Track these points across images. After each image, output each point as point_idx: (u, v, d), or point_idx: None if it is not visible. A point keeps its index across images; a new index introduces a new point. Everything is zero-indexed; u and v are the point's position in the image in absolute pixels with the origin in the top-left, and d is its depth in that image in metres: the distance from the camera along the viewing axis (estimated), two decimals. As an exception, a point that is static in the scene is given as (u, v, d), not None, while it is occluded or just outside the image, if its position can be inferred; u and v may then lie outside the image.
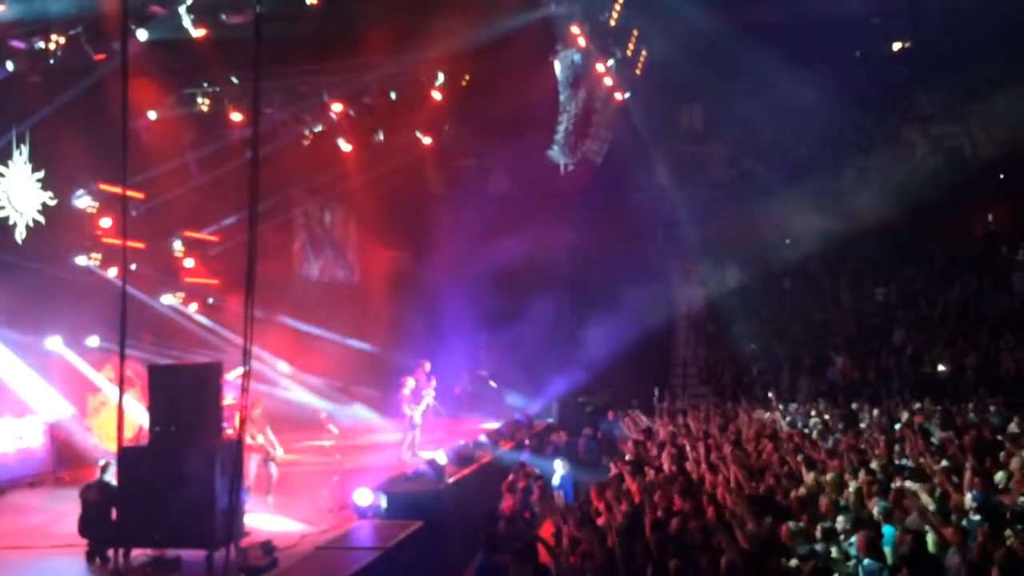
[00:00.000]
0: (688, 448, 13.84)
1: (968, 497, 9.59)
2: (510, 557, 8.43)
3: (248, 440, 12.56)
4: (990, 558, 7.69)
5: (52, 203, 15.61)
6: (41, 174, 15.41)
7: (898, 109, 30.22)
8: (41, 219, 15.39)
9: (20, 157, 15.07)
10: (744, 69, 27.82)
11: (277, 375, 19.24)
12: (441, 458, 13.01)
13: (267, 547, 9.60)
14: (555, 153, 20.66)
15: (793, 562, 8.08)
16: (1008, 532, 8.45)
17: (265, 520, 11.41)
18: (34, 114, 14.83)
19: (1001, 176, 27.19)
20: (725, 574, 7.19)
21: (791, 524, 8.97)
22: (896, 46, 32.27)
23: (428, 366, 19.04)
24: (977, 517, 9.04)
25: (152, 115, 17.38)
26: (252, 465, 12.62)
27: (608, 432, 17.81)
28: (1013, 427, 15.42)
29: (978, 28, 26.73)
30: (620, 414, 18.79)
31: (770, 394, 21.17)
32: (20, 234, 15.04)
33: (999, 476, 10.93)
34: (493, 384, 20.93)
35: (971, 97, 29.26)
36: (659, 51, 22.88)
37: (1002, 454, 12.31)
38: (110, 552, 9.40)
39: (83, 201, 16.58)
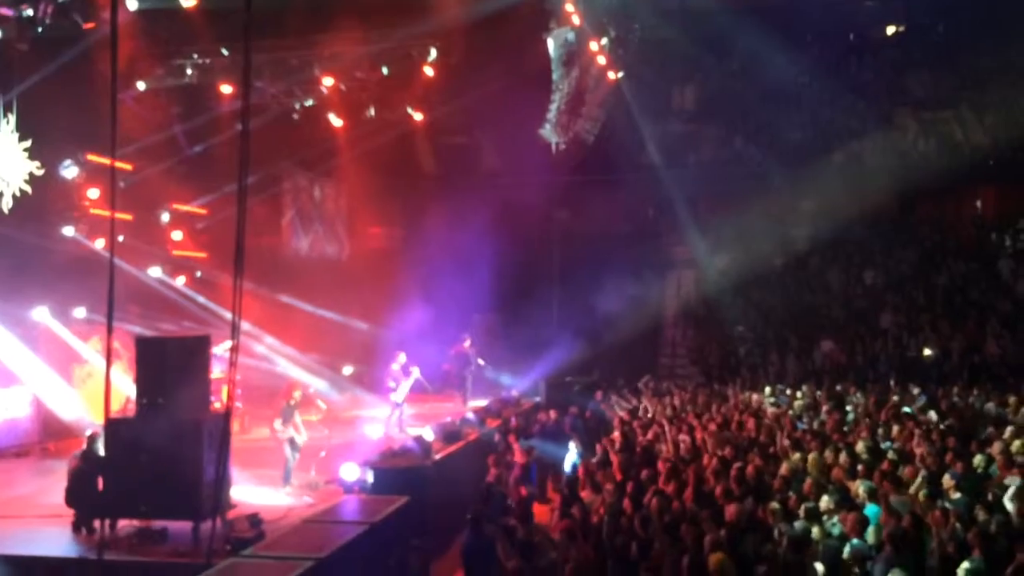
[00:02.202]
0: (673, 428, 13.94)
1: (947, 476, 9.71)
2: (496, 530, 8.49)
3: (278, 427, 12.53)
4: (965, 538, 7.79)
5: (39, 173, 15.47)
6: (28, 143, 15.27)
7: (890, 93, 30.19)
8: (28, 189, 15.26)
9: (7, 126, 14.93)
10: (737, 50, 27.74)
11: (265, 349, 19.21)
12: (428, 434, 13.05)
13: (254, 519, 9.63)
14: (547, 132, 20.63)
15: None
16: (985, 513, 8.57)
17: (252, 493, 11.44)
18: (21, 83, 14.67)
19: (991, 162, 27.23)
20: (709, 552, 7.25)
21: (774, 504, 9.05)
22: (890, 30, 32.21)
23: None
24: (958, 495, 9.15)
25: (141, 86, 17.24)
26: (288, 452, 12.50)
27: (596, 412, 17.87)
28: (996, 411, 15.58)
29: (972, 13, 26.69)
30: (610, 394, 18.86)
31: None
32: (6, 203, 14.92)
33: (978, 459, 11.05)
34: (481, 362, 20.95)
35: (964, 83, 29.27)
36: (652, 30, 22.81)
37: (984, 438, 12.46)
38: (96, 522, 9.40)
39: (70, 171, 16.45)
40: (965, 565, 6.92)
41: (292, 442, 12.56)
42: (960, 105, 28.84)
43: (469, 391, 20.18)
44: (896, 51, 31.45)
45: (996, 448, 11.45)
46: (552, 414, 16.46)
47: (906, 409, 15.83)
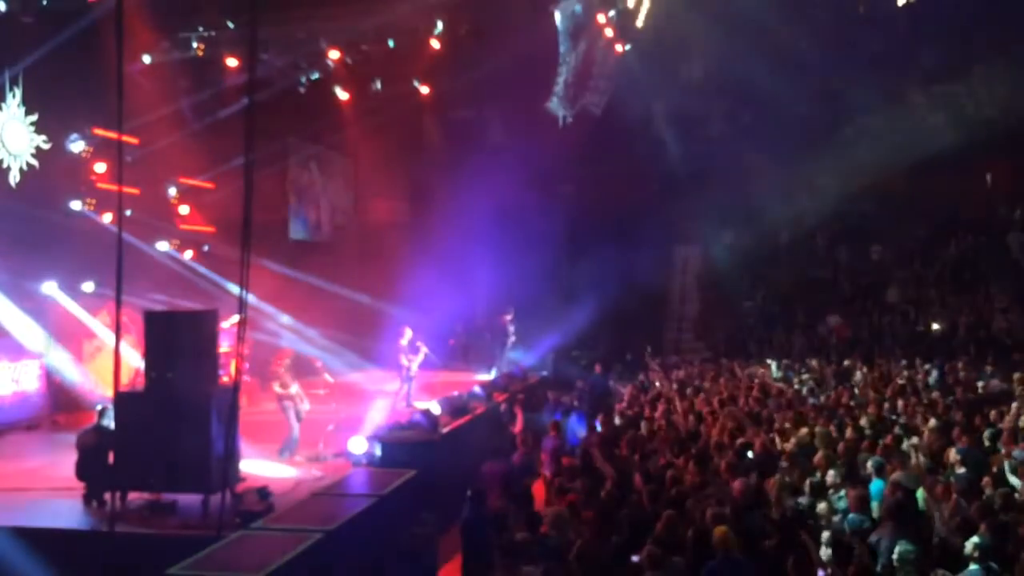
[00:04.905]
0: (680, 402, 13.99)
1: (952, 451, 9.74)
2: (504, 505, 8.54)
3: (278, 389, 12.62)
4: (968, 511, 7.82)
5: (46, 147, 15.46)
6: (35, 117, 15.24)
7: (900, 66, 29.93)
8: (35, 163, 15.25)
9: (13, 100, 14.89)
10: (746, 22, 27.47)
11: (273, 323, 19.26)
12: (435, 408, 13.11)
13: (263, 492, 9.69)
14: (554, 105, 20.51)
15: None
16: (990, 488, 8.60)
17: (261, 466, 11.52)
18: (27, 56, 14.59)
19: (1002, 136, 27.02)
20: (713, 526, 7.29)
21: (779, 478, 9.09)
22: (900, 2, 31.85)
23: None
24: (963, 470, 9.18)
25: (147, 59, 17.15)
26: (294, 422, 12.57)
27: (597, 384, 17.93)
28: (1003, 386, 15.59)
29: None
30: (616, 367, 18.91)
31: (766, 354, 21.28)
32: (14, 178, 14.92)
33: (986, 433, 11.07)
34: (512, 338, 21.02)
35: (975, 56, 29.00)
36: (661, 2, 22.57)
37: (992, 413, 12.47)
38: (107, 495, 9.48)
39: (77, 145, 16.41)
40: (974, 540, 6.93)
41: (296, 409, 12.62)
42: (971, 78, 28.60)
43: (502, 363, 20.35)
44: (906, 23, 31.13)
45: (1006, 422, 11.47)
46: (572, 400, 16.40)
47: (908, 381, 15.85)
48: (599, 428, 12.57)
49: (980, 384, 16.03)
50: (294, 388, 12.80)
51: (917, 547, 6.87)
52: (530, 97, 20.88)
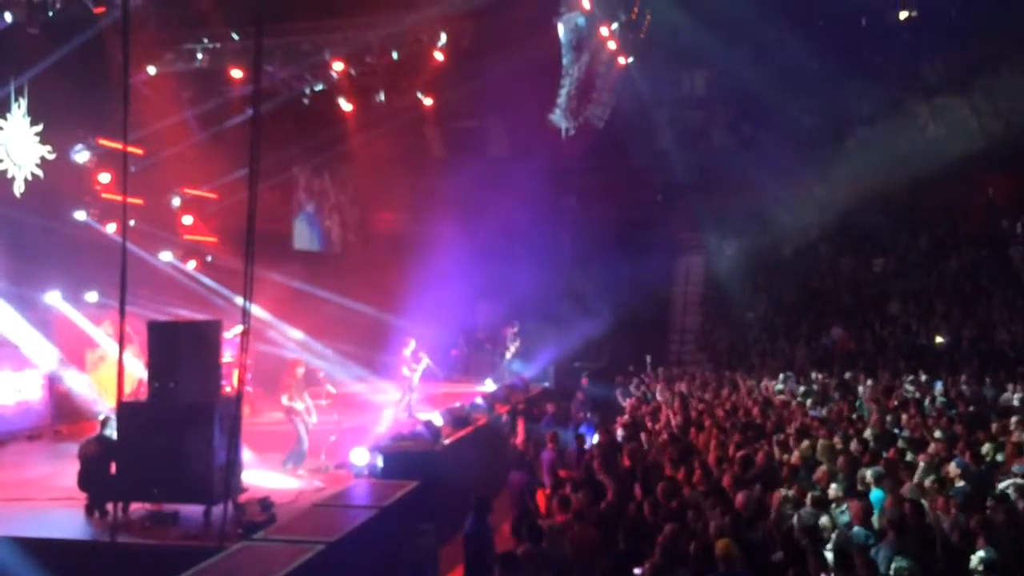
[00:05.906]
0: (681, 414, 13.97)
1: (952, 464, 9.72)
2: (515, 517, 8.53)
3: (286, 402, 12.60)
4: (967, 524, 7.80)
5: (51, 157, 15.51)
6: (39, 128, 15.30)
7: (902, 78, 30.01)
8: (40, 173, 15.30)
9: (19, 110, 14.95)
10: (748, 34, 27.58)
11: (275, 333, 19.27)
12: (437, 420, 13.11)
13: (265, 503, 9.68)
14: (557, 117, 20.57)
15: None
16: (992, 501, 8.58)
17: (263, 477, 11.51)
18: (33, 67, 14.66)
19: (1003, 149, 27.06)
20: (715, 538, 7.28)
21: (782, 492, 9.07)
22: (902, 15, 31.95)
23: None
24: (962, 483, 9.15)
25: (151, 70, 17.25)
26: (303, 434, 12.56)
27: (588, 396, 17.94)
28: (1006, 399, 15.57)
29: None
30: (617, 379, 18.93)
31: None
32: (18, 188, 14.97)
33: (987, 447, 11.05)
34: (512, 349, 21.02)
35: (976, 69, 29.07)
36: (663, 15, 22.69)
37: (993, 426, 12.44)
38: (109, 506, 9.48)
39: (82, 156, 16.49)
40: (980, 554, 6.90)
41: (304, 420, 12.61)
42: (972, 91, 28.66)
43: (502, 374, 20.49)
44: (908, 36, 31.22)
45: (1013, 436, 11.43)
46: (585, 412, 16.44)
47: (911, 394, 15.83)
48: (596, 439, 12.57)
49: (989, 396, 16.01)
50: (303, 401, 12.78)
51: (914, 563, 6.84)
52: (533, 109, 20.94)
